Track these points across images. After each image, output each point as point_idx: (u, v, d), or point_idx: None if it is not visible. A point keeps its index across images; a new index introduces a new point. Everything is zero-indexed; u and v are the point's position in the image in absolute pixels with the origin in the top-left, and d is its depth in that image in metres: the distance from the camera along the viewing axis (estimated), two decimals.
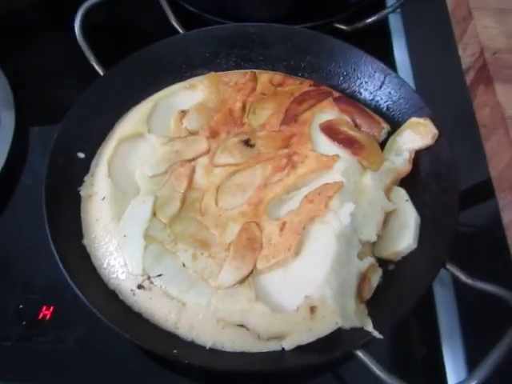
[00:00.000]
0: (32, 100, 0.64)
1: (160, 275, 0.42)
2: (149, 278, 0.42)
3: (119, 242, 0.44)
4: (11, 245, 0.52)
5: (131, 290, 0.42)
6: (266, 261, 0.43)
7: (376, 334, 0.38)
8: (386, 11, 0.64)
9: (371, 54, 0.58)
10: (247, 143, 0.53)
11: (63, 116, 0.63)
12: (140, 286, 0.42)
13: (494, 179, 0.43)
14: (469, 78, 0.50)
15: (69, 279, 0.41)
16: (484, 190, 0.52)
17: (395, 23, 0.71)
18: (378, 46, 0.68)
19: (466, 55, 0.50)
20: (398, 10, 0.71)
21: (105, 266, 0.44)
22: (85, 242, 0.46)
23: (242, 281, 0.42)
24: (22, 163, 0.58)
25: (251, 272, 0.42)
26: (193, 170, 0.51)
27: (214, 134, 0.54)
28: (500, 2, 0.52)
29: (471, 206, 0.56)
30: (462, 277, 0.41)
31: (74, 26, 0.58)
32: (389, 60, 0.67)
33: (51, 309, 0.47)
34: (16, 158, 0.57)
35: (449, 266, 0.42)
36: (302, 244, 0.43)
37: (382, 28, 0.70)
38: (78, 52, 0.58)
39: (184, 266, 0.43)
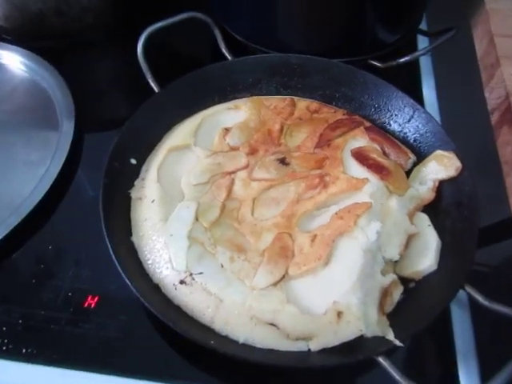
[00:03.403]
0: (89, 110, 0.70)
1: (201, 273, 0.46)
2: (191, 274, 0.46)
3: (165, 241, 0.49)
4: (65, 238, 0.57)
5: (173, 285, 0.47)
6: (298, 268, 0.47)
7: (397, 342, 0.42)
8: (418, 53, 0.69)
9: (402, 90, 0.63)
10: (283, 161, 0.58)
11: (116, 126, 0.70)
12: (182, 282, 0.46)
13: None
14: (493, 119, 0.54)
15: (120, 270, 0.46)
16: (505, 228, 0.55)
17: (425, 64, 0.76)
18: (408, 84, 0.73)
19: (492, 98, 0.55)
20: (429, 52, 0.77)
21: (150, 261, 0.49)
22: (133, 239, 0.51)
23: (275, 284, 0.46)
24: (77, 165, 0.64)
25: (283, 277, 0.46)
26: (232, 182, 0.56)
27: (253, 151, 0.59)
28: None
29: (493, 241, 0.60)
30: (480, 298, 0.44)
31: (134, 47, 0.64)
32: (417, 97, 0.71)
33: (96, 298, 0.52)
34: (73, 160, 0.63)
35: (467, 288, 0.46)
36: (331, 255, 0.47)
37: (413, 67, 0.75)
38: (134, 70, 0.64)
39: (222, 266, 0.47)
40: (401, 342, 0.42)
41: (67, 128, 0.66)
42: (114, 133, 0.70)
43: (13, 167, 0.64)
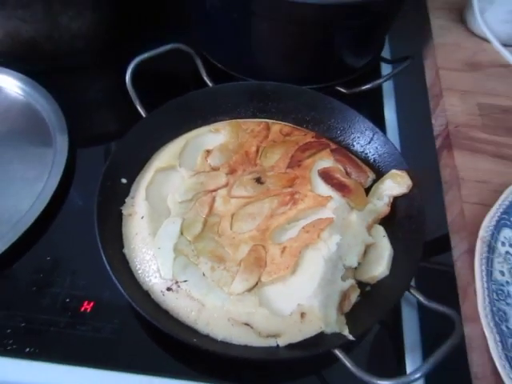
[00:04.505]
0: (81, 130, 0.76)
1: (185, 281, 0.53)
2: (176, 282, 0.53)
3: (154, 253, 0.56)
4: (61, 250, 0.63)
5: (161, 291, 0.54)
6: (269, 276, 0.54)
7: (350, 337, 0.50)
8: (378, 81, 0.77)
9: (365, 114, 0.71)
10: (258, 180, 0.65)
11: (105, 143, 0.77)
12: (169, 289, 0.53)
13: (449, 224, 0.55)
14: (437, 143, 0.63)
15: (114, 278, 0.52)
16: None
17: (388, 89, 0.85)
18: (372, 108, 0.81)
19: (436, 125, 0.64)
20: (391, 78, 0.85)
21: (141, 271, 0.56)
22: (125, 251, 0.57)
23: (250, 290, 0.53)
24: (71, 181, 0.70)
25: (257, 284, 0.54)
26: (213, 199, 0.62)
27: (232, 171, 0.66)
28: (464, 85, 0.66)
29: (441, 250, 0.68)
30: (421, 299, 0.53)
31: (122, 70, 0.70)
32: (379, 120, 0.79)
33: (91, 304, 0.58)
34: (67, 177, 0.68)
35: (412, 290, 0.54)
36: (297, 265, 0.54)
37: (376, 92, 0.83)
38: (122, 91, 0.70)
39: (204, 275, 0.55)
40: (354, 336, 0.50)
41: (61, 146, 0.72)
42: (104, 150, 0.78)
43: (11, 184, 0.69)
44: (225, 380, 0.53)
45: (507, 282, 0.43)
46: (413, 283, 0.58)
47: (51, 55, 0.83)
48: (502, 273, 0.44)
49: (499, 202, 0.48)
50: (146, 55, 0.71)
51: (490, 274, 0.43)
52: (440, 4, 0.80)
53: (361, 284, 0.58)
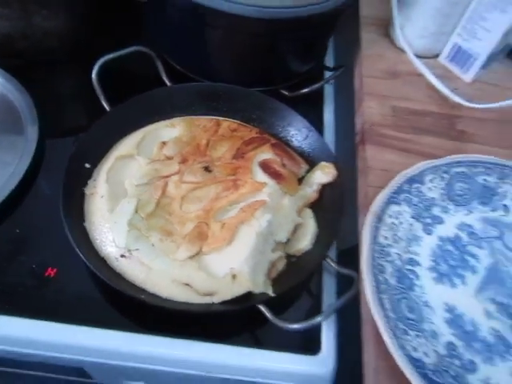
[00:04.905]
0: (51, 120, 0.84)
1: (137, 249, 0.63)
2: (129, 250, 0.63)
3: (110, 226, 0.65)
4: (29, 227, 0.71)
5: (115, 258, 0.63)
6: (209, 246, 0.64)
7: (272, 294, 0.61)
8: (316, 85, 0.89)
9: (307, 114, 0.81)
10: (207, 169, 0.75)
11: (72, 134, 0.85)
12: (122, 256, 0.63)
13: (358, 204, 0.68)
14: (357, 140, 0.75)
15: (74, 246, 0.61)
16: None
17: (328, 92, 0.96)
18: (313, 109, 0.90)
19: (358, 123, 0.76)
20: (332, 82, 0.97)
21: (98, 241, 0.65)
22: (86, 224, 0.66)
23: (192, 257, 0.63)
24: (40, 165, 0.78)
25: (198, 253, 0.64)
26: (166, 184, 0.72)
27: (184, 161, 0.76)
28: (383, 91, 0.78)
29: None
30: (333, 265, 0.65)
31: (90, 67, 0.79)
32: (319, 120, 0.90)
33: (55, 270, 0.67)
34: (37, 161, 0.76)
35: (328, 260, 0.66)
36: (233, 238, 0.65)
37: (318, 96, 0.94)
38: (89, 87, 0.79)
39: (153, 245, 0.64)
40: (275, 294, 0.61)
41: (32, 136, 0.79)
42: (71, 139, 0.86)
43: None
44: (169, 332, 0.63)
45: (388, 245, 0.55)
46: (334, 256, 0.71)
47: (25, 51, 0.91)
48: (386, 238, 0.56)
49: (391, 184, 0.60)
50: (110, 56, 0.80)
51: (375, 238, 0.55)
52: (371, 20, 0.92)
53: (289, 256, 0.69)
